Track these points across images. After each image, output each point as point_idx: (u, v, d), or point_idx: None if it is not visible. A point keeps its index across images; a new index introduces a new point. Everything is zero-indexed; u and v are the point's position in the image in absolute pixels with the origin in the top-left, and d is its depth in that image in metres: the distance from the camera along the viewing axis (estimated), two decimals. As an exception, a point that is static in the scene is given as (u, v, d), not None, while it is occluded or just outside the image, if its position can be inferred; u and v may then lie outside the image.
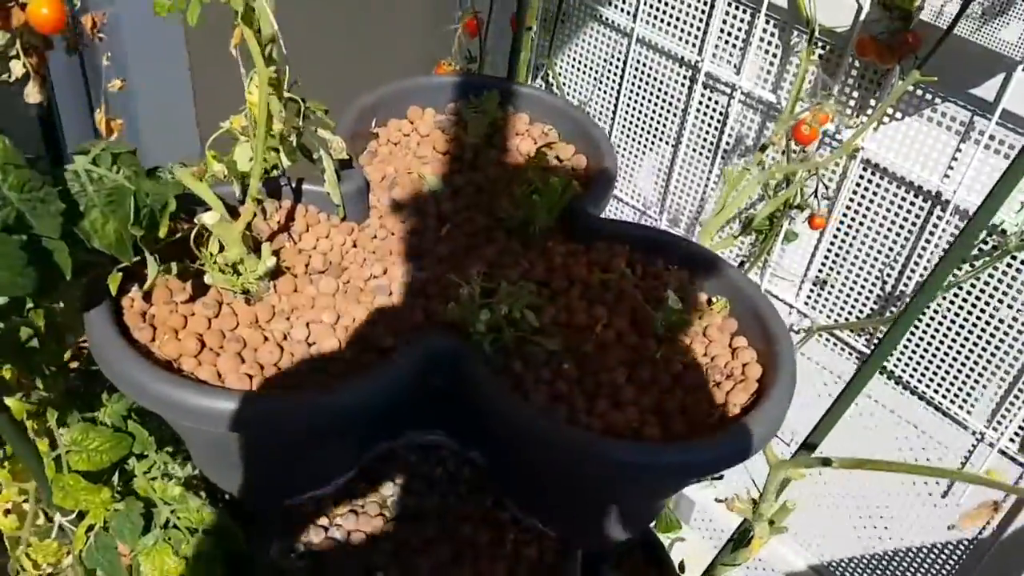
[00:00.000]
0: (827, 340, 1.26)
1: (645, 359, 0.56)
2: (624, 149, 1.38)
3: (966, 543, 1.20)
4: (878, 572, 1.32)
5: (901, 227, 1.11)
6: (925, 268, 1.09)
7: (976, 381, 1.12)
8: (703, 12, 1.18)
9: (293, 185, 0.62)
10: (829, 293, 1.23)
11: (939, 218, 1.06)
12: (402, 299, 0.58)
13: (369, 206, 0.66)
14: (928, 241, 1.09)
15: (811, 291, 1.26)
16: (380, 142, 0.72)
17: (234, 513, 0.63)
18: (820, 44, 1.08)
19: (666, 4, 1.22)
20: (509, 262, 0.61)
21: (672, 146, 1.31)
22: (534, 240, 0.64)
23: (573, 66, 1.39)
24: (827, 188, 1.01)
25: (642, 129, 1.34)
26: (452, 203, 0.68)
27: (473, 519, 0.62)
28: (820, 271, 1.23)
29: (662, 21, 1.24)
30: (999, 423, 1.11)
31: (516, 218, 0.64)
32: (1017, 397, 1.08)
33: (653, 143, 1.35)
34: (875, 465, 0.68)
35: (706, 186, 1.30)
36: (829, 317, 1.25)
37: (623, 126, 1.37)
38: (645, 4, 1.24)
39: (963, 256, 0.84)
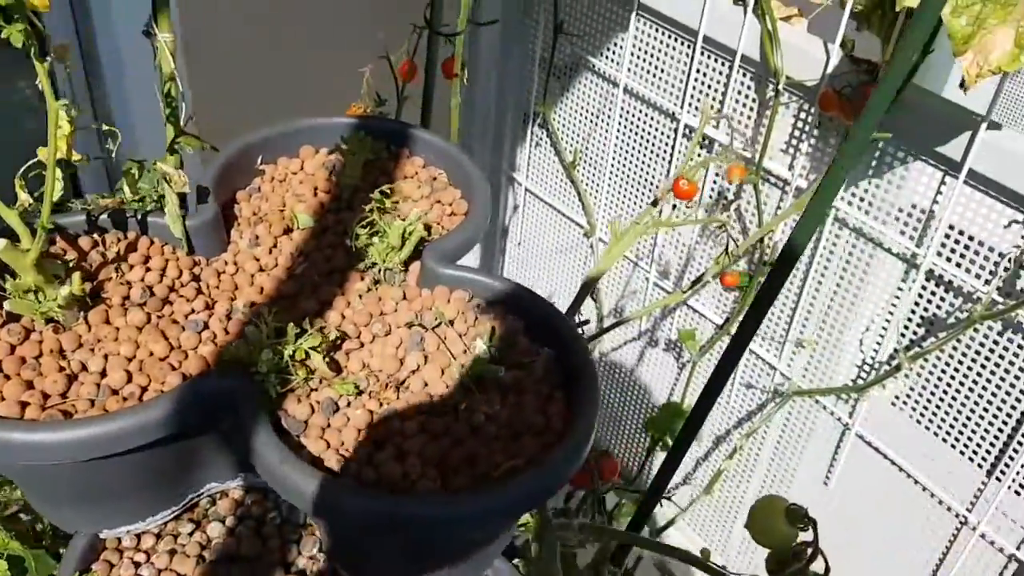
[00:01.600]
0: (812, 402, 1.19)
1: (447, 409, 0.54)
2: (617, 197, 1.36)
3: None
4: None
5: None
6: (908, 332, 1.02)
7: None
8: (685, 64, 1.16)
9: (139, 217, 0.63)
10: (811, 355, 1.17)
11: (913, 280, 0.99)
12: (212, 336, 0.58)
13: (227, 240, 0.67)
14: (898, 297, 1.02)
15: (793, 353, 1.19)
16: (265, 179, 0.73)
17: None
18: (791, 97, 1.04)
19: (649, 55, 1.20)
20: (340, 303, 0.60)
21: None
22: (381, 283, 0.63)
23: (570, 114, 1.38)
24: (736, 244, 0.96)
25: (633, 178, 1.32)
26: (316, 241, 0.68)
27: (291, 567, 0.61)
28: (801, 332, 1.17)
29: (647, 72, 1.22)
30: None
31: (366, 260, 0.63)
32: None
33: (644, 192, 1.32)
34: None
35: (692, 238, 1.26)
36: (812, 381, 1.18)
37: (616, 174, 1.35)
38: (633, 55, 1.22)
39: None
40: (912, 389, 1.05)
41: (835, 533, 1.22)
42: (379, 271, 0.63)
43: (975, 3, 0.68)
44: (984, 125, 0.86)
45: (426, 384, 0.56)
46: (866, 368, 1.10)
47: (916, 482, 1.09)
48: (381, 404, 0.54)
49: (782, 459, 1.26)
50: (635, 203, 1.33)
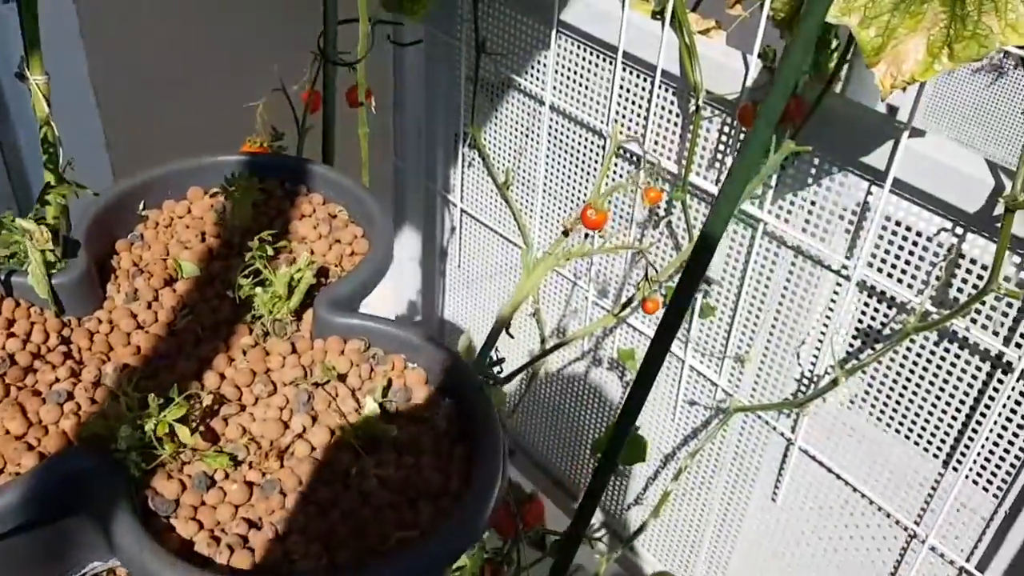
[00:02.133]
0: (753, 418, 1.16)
1: (335, 476, 0.50)
2: (551, 215, 1.33)
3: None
4: None
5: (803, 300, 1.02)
6: (844, 344, 1.00)
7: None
8: (608, 81, 1.13)
9: (1, 278, 0.58)
10: (759, 371, 1.14)
11: (845, 292, 0.97)
12: (76, 408, 0.53)
13: (103, 296, 0.62)
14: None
15: (732, 369, 1.16)
16: (148, 225, 0.68)
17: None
18: (713, 112, 1.02)
19: (573, 73, 1.17)
20: (222, 362, 0.56)
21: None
22: (270, 335, 0.58)
23: (500, 134, 1.35)
24: (656, 270, 0.94)
25: (566, 196, 1.29)
26: (201, 292, 0.63)
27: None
28: (739, 348, 1.14)
29: (572, 89, 1.19)
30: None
31: (255, 311, 0.59)
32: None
33: (575, 210, 1.28)
34: None
35: (626, 256, 1.23)
36: (752, 397, 1.15)
37: (549, 193, 1.31)
38: (556, 73, 1.19)
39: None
40: (856, 396, 1.03)
41: (785, 549, 1.20)
42: (268, 322, 0.58)
43: (883, 13, 0.66)
44: (906, 133, 0.84)
45: (313, 449, 0.51)
46: (805, 382, 1.08)
47: (863, 495, 1.07)
48: (263, 474, 0.50)
49: (735, 477, 1.23)
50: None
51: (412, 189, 1.58)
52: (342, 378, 0.55)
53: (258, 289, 0.57)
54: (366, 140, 0.85)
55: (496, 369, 0.75)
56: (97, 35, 1.08)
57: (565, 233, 0.72)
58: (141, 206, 0.68)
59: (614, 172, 1.18)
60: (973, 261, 0.86)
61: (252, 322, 0.59)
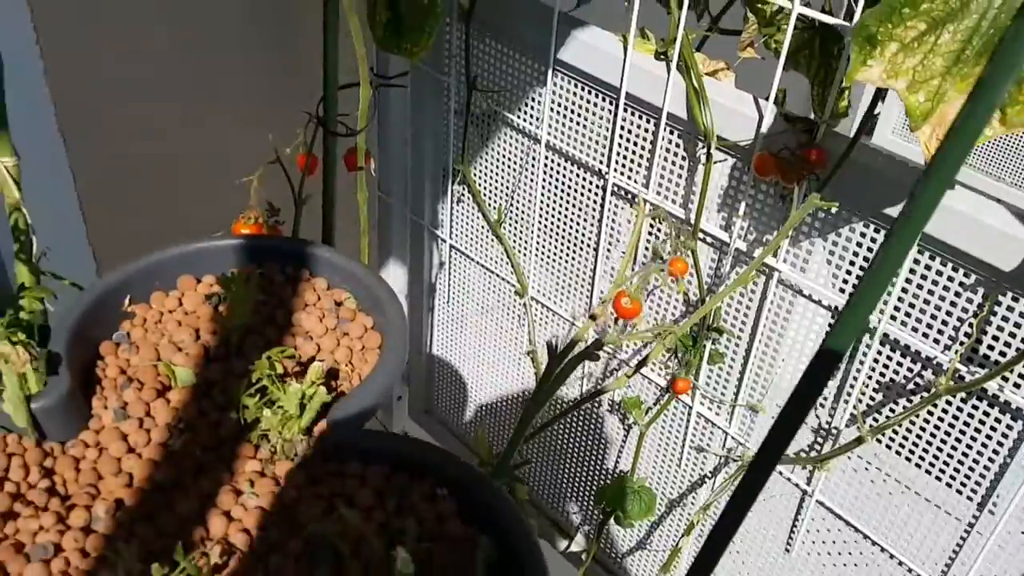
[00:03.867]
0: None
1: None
2: (546, 255, 1.27)
3: None
4: None
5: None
6: (865, 398, 0.96)
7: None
8: (608, 121, 1.08)
9: (-26, 405, 0.52)
10: (764, 421, 1.10)
11: (868, 346, 0.93)
12: (65, 566, 0.46)
13: (89, 413, 0.55)
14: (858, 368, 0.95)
15: (744, 418, 1.12)
16: (135, 323, 0.62)
17: None
18: (725, 157, 0.97)
19: (571, 112, 1.11)
20: (227, 499, 0.50)
21: (592, 255, 1.20)
22: (278, 456, 0.52)
23: (491, 170, 1.29)
24: (688, 350, 0.89)
25: (562, 236, 1.23)
26: (198, 404, 0.57)
27: None
28: (751, 397, 1.10)
29: (570, 128, 1.13)
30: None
31: (259, 428, 0.53)
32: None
33: (573, 251, 1.23)
34: None
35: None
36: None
37: (544, 232, 1.26)
38: (552, 111, 1.14)
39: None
40: (875, 456, 0.99)
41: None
42: (276, 443, 0.52)
43: (934, 77, 0.61)
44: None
45: (339, 604, 0.46)
46: (821, 434, 1.04)
47: (883, 549, 1.03)
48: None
49: (746, 526, 1.19)
50: (565, 262, 1.25)
51: (398, 224, 1.52)
52: (367, 514, 0.49)
53: (266, 411, 0.51)
54: (366, 206, 0.79)
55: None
56: (73, 112, 1.00)
57: (592, 318, 0.67)
58: (127, 301, 0.62)
59: (613, 215, 1.13)
60: (1005, 319, 0.82)
61: (257, 441, 0.53)
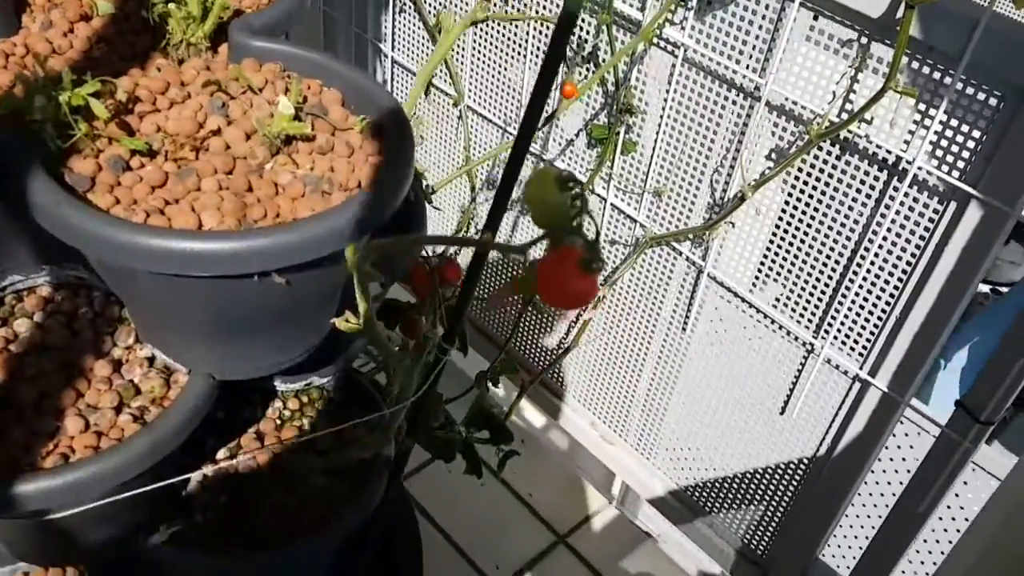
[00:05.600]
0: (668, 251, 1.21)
1: (250, 168, 0.52)
2: (483, 58, 1.33)
3: (806, 460, 1.16)
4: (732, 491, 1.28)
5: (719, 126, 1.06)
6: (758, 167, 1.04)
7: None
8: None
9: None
10: (666, 204, 1.18)
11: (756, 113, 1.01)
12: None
13: (19, 26, 0.61)
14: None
15: (651, 203, 1.21)
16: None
17: None
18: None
19: None
20: (136, 73, 0.57)
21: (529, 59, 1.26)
22: (186, 60, 0.59)
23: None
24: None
25: (498, 35, 1.29)
26: (117, 27, 0.63)
27: (105, 356, 0.58)
28: (657, 181, 1.18)
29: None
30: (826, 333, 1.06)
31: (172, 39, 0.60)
32: (841, 303, 1.04)
33: (511, 51, 1.29)
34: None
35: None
36: (669, 228, 1.20)
37: (480, 33, 1.32)
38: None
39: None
40: (760, 212, 1.08)
41: (695, 374, 1.27)
42: (184, 48, 0.59)
43: None
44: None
45: (228, 146, 0.53)
46: (716, 209, 1.12)
47: (765, 316, 1.13)
48: (178, 165, 0.52)
49: (645, 309, 1.29)
50: (502, 63, 1.31)
51: (342, 38, 1.56)
52: (258, 91, 0.56)
53: (171, 6, 0.58)
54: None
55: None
56: None
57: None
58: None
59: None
60: (875, 71, 0.90)
61: (168, 52, 0.60)
